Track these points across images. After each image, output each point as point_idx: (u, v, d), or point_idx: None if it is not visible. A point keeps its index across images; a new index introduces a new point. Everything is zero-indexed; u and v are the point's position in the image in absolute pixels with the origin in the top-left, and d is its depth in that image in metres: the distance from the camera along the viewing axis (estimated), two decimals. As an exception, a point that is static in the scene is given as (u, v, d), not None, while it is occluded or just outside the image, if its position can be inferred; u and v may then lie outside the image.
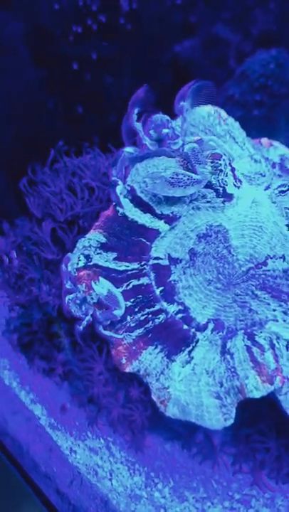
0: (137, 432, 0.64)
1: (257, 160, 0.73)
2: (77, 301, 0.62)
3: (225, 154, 0.68)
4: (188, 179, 0.63)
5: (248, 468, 0.62)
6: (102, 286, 0.61)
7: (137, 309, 0.62)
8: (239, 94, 1.17)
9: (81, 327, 0.61)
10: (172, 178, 0.63)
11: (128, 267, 0.65)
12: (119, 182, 0.65)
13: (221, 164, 0.66)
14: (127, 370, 0.60)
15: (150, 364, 0.59)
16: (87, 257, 0.64)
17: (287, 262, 0.65)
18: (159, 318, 0.62)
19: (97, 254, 0.65)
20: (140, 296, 0.63)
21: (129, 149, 0.66)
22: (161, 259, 0.65)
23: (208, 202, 0.67)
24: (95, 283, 0.61)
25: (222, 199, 0.67)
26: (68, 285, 0.63)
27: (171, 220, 0.66)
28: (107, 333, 0.61)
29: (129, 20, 1.13)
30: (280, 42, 1.22)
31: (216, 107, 0.74)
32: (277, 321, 0.61)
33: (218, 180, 0.67)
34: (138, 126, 0.64)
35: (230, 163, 0.68)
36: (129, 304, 0.62)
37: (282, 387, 0.56)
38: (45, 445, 0.67)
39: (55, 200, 0.72)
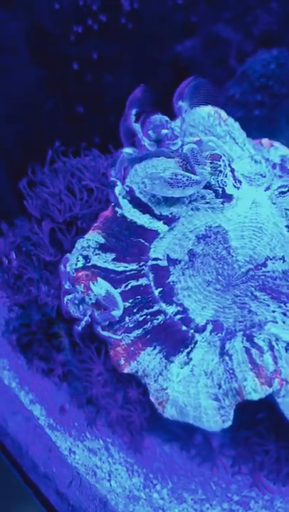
0: (135, 433, 0.64)
1: (257, 161, 0.72)
2: (76, 302, 0.62)
3: (224, 155, 0.67)
4: (187, 180, 0.63)
5: (247, 470, 0.62)
6: (101, 287, 0.61)
7: (135, 310, 0.62)
8: (240, 94, 1.17)
9: (79, 327, 0.61)
10: (171, 178, 0.63)
11: (127, 267, 0.64)
12: (118, 183, 0.65)
13: (220, 165, 0.66)
14: (126, 371, 0.60)
15: (148, 365, 0.59)
16: (86, 258, 0.64)
17: (287, 263, 0.65)
18: (157, 319, 0.62)
19: (96, 254, 0.64)
20: (139, 296, 0.63)
21: (128, 150, 0.65)
22: (160, 260, 0.65)
23: (207, 203, 0.67)
24: (94, 283, 0.61)
25: (221, 200, 0.67)
26: (67, 286, 0.63)
27: (170, 220, 0.66)
28: (105, 333, 0.61)
29: (130, 19, 1.12)
30: (282, 42, 1.21)
31: (216, 108, 0.74)
32: (276, 322, 0.61)
33: (218, 181, 0.66)
34: (136, 126, 0.64)
35: (229, 164, 0.68)
36: (127, 304, 0.62)
37: (280, 389, 0.56)
38: (44, 445, 0.67)
39: (53, 201, 0.72)
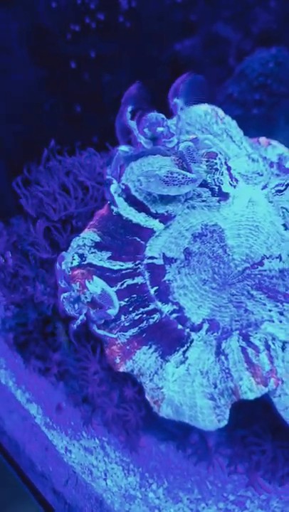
0: (131, 432, 0.64)
1: (254, 159, 0.72)
2: (71, 300, 0.62)
3: (221, 153, 0.67)
4: (183, 178, 0.62)
5: (244, 470, 0.62)
6: (96, 285, 0.61)
7: (131, 309, 0.62)
8: (238, 93, 1.16)
9: (75, 326, 0.61)
10: (167, 176, 0.62)
11: (122, 266, 0.64)
12: (114, 181, 0.65)
13: (216, 163, 0.66)
14: (121, 369, 0.60)
15: (144, 364, 0.59)
16: (82, 256, 0.64)
17: (284, 262, 0.64)
18: (153, 318, 0.62)
19: (92, 253, 0.64)
20: (134, 295, 0.63)
21: (123, 148, 0.65)
22: (156, 258, 0.65)
23: (203, 201, 0.66)
24: (89, 282, 0.61)
25: (217, 198, 0.66)
26: (62, 284, 0.63)
27: (166, 219, 0.66)
28: (100, 332, 0.61)
29: (128, 18, 1.12)
30: (281, 41, 1.21)
31: (213, 106, 0.73)
32: (273, 321, 0.61)
33: (214, 179, 0.66)
34: (132, 124, 0.63)
35: (226, 162, 0.68)
36: (123, 303, 0.62)
37: (276, 389, 0.55)
38: (40, 444, 0.67)
39: (48, 200, 0.72)
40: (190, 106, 0.68)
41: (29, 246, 0.73)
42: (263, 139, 0.79)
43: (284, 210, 0.67)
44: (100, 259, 0.64)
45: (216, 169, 0.66)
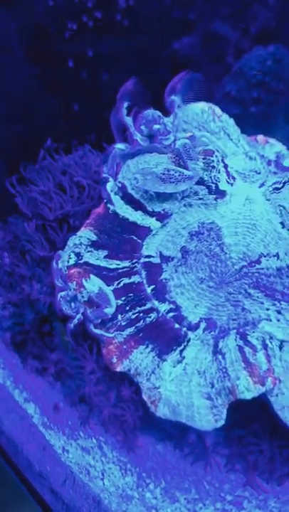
0: (128, 431, 0.64)
1: (252, 157, 0.72)
2: (68, 299, 0.61)
3: (218, 151, 0.67)
4: (179, 175, 0.62)
5: (241, 469, 0.62)
6: (93, 284, 0.60)
7: (128, 308, 0.62)
8: (236, 91, 1.16)
9: (72, 325, 0.61)
10: (163, 174, 0.62)
11: (119, 265, 0.64)
12: (110, 179, 0.65)
13: (213, 161, 0.65)
14: (118, 369, 0.59)
15: (141, 363, 0.59)
16: (78, 255, 0.64)
17: (281, 260, 0.64)
18: (150, 317, 0.61)
19: (88, 252, 0.64)
20: (131, 294, 0.62)
21: (120, 146, 0.65)
22: (153, 257, 0.65)
23: (200, 199, 0.66)
24: (86, 281, 0.60)
25: (214, 196, 0.66)
26: (59, 283, 0.62)
27: (162, 217, 0.65)
28: (97, 331, 0.60)
29: (125, 16, 1.12)
30: (279, 38, 1.20)
31: (210, 104, 0.73)
32: (270, 320, 0.60)
33: (211, 177, 0.66)
34: (128, 120, 0.63)
35: (222, 160, 0.67)
36: (120, 302, 0.61)
37: (273, 388, 0.55)
38: (38, 444, 0.66)
39: (43, 199, 0.72)
40: (187, 103, 0.68)
41: (26, 244, 0.73)
42: (260, 137, 0.78)
43: (281, 208, 0.66)
44: (97, 257, 0.64)
45: (213, 167, 0.65)
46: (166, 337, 0.60)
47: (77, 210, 0.72)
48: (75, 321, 0.61)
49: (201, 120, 0.72)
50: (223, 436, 0.62)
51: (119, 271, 0.64)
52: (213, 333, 0.60)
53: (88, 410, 0.66)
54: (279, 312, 0.61)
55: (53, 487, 0.63)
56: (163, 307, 0.62)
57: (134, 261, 0.64)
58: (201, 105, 0.72)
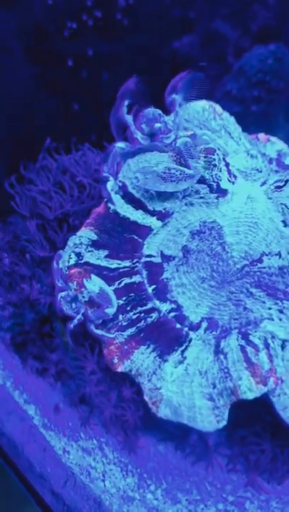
0: (129, 432, 0.63)
1: (253, 155, 0.71)
2: (69, 299, 0.61)
3: (219, 149, 0.66)
4: (180, 174, 0.61)
5: (243, 470, 0.61)
6: (94, 284, 0.60)
7: (129, 308, 0.61)
8: (237, 89, 1.16)
9: (72, 325, 0.60)
10: (164, 173, 0.61)
11: (120, 264, 0.63)
12: (111, 178, 0.64)
13: (214, 159, 0.65)
14: (119, 369, 0.59)
15: (142, 364, 0.58)
16: (78, 255, 0.63)
17: (283, 259, 0.63)
18: (151, 317, 0.61)
19: (89, 251, 0.63)
20: (132, 294, 0.62)
21: (120, 144, 0.64)
22: (154, 256, 0.64)
23: (201, 197, 0.65)
24: (87, 280, 0.60)
25: (216, 195, 0.66)
26: (60, 283, 0.62)
27: (163, 216, 0.65)
28: (98, 332, 0.60)
29: (125, 15, 1.11)
30: (279, 37, 1.20)
31: (211, 102, 0.73)
32: (272, 319, 0.60)
33: (212, 176, 0.65)
34: (129, 119, 0.63)
35: (224, 158, 0.67)
36: (121, 302, 0.61)
37: (275, 388, 0.55)
38: (39, 445, 0.66)
39: (42, 199, 0.71)
40: (188, 102, 0.68)
41: (26, 244, 0.72)
42: (261, 135, 0.78)
43: (283, 207, 0.66)
44: (97, 257, 0.63)
45: (214, 165, 0.65)
46: (167, 337, 0.59)
47: (78, 209, 0.71)
48: (75, 321, 0.60)
49: (202, 118, 0.71)
50: (225, 436, 0.62)
51: (120, 271, 0.63)
52: (214, 332, 0.60)
53: (89, 411, 0.66)
54: (281, 311, 0.61)
55: (54, 488, 0.63)
56: (164, 307, 0.61)
57: (135, 260, 0.64)
58: (202, 103, 0.72)
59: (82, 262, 0.63)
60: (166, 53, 1.23)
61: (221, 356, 0.57)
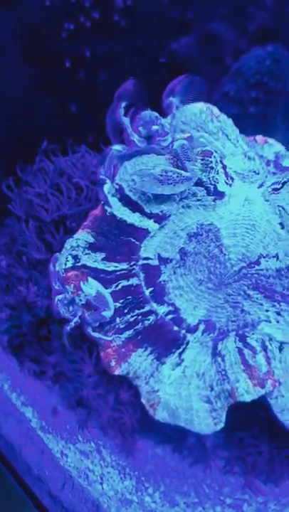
0: (127, 435, 0.63)
1: (251, 157, 0.71)
2: (66, 302, 0.61)
3: (216, 151, 0.66)
4: (177, 176, 0.61)
5: (240, 472, 0.61)
6: (91, 287, 0.60)
7: (126, 310, 0.61)
8: (235, 91, 1.16)
9: (69, 328, 0.60)
10: (161, 175, 0.61)
11: (117, 267, 0.63)
12: (107, 180, 0.64)
13: (211, 161, 0.65)
14: (116, 372, 0.59)
15: (140, 367, 0.58)
16: (75, 258, 0.63)
17: (281, 261, 0.64)
18: (148, 320, 0.61)
19: (86, 254, 0.63)
20: (129, 297, 0.62)
21: (117, 147, 0.64)
22: (151, 259, 0.64)
23: (198, 200, 0.65)
24: (84, 283, 0.60)
25: (213, 197, 0.66)
26: (57, 286, 0.62)
27: (160, 218, 0.65)
28: (95, 334, 0.60)
29: (123, 16, 1.11)
30: (277, 38, 1.20)
31: (208, 104, 0.73)
32: (270, 321, 0.60)
33: (209, 178, 0.65)
34: (125, 120, 0.62)
35: (221, 161, 0.67)
36: (118, 305, 0.61)
37: (273, 390, 0.55)
38: (37, 448, 0.66)
39: (39, 201, 0.71)
40: (185, 105, 0.67)
41: (23, 247, 0.72)
42: (259, 137, 0.78)
43: (280, 209, 0.66)
44: (94, 260, 0.63)
45: (212, 168, 0.65)
46: (164, 340, 0.59)
47: (75, 211, 0.71)
48: (72, 324, 0.60)
49: (199, 120, 0.71)
50: (223, 438, 0.62)
51: (117, 273, 0.63)
52: (212, 335, 0.60)
53: (87, 414, 0.66)
54: (278, 313, 0.61)
55: (52, 491, 0.63)
56: (162, 309, 0.61)
57: (132, 263, 0.64)
58: (199, 105, 0.72)
59: (79, 264, 0.63)
60: (164, 54, 1.23)
61: (219, 358, 0.57)
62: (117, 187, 0.66)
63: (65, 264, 0.63)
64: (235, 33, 1.24)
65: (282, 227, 0.65)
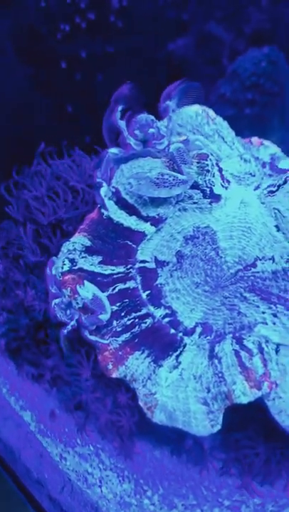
0: (125, 438, 0.63)
1: (246, 159, 0.72)
2: (63, 306, 0.61)
3: (212, 154, 0.66)
4: (173, 180, 0.62)
5: (238, 474, 0.61)
6: (88, 290, 0.60)
7: (123, 314, 0.61)
8: (230, 92, 1.16)
9: (65, 331, 0.60)
10: (158, 178, 0.62)
11: (114, 270, 0.63)
12: (104, 184, 0.64)
13: (207, 164, 0.65)
14: (114, 375, 0.59)
15: (137, 369, 0.58)
16: (72, 261, 0.63)
17: (277, 263, 0.64)
18: (145, 323, 0.61)
19: (82, 257, 0.63)
20: (126, 300, 0.62)
21: (113, 150, 0.64)
22: (148, 262, 0.64)
23: (194, 203, 0.66)
24: (80, 287, 0.60)
25: (209, 200, 0.66)
26: (53, 289, 0.62)
27: (157, 222, 0.65)
28: (92, 338, 0.60)
29: (119, 17, 1.11)
30: (273, 40, 1.20)
31: (204, 107, 0.73)
32: (266, 323, 0.60)
33: (205, 181, 0.65)
34: (122, 124, 0.62)
35: (217, 163, 0.67)
36: (115, 308, 0.61)
37: (270, 392, 0.55)
38: (35, 451, 0.66)
39: (36, 205, 0.71)
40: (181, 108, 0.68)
41: (19, 251, 0.72)
42: (255, 139, 0.78)
43: (276, 211, 0.66)
44: (91, 263, 0.63)
45: (208, 171, 0.65)
46: (162, 342, 0.59)
47: (71, 215, 0.71)
48: (69, 327, 0.60)
49: (195, 123, 0.71)
50: (220, 440, 0.62)
51: (114, 276, 0.63)
52: (209, 337, 0.60)
53: (85, 417, 0.66)
54: (275, 315, 0.61)
55: (51, 494, 0.63)
56: (158, 312, 0.61)
57: (129, 266, 0.64)
58: (195, 108, 0.72)
59: (76, 268, 0.63)
60: (160, 55, 1.23)
61: (216, 361, 0.57)
62: (114, 190, 0.66)
63: (62, 268, 0.63)
64: (231, 34, 1.24)
65: (278, 230, 0.66)
